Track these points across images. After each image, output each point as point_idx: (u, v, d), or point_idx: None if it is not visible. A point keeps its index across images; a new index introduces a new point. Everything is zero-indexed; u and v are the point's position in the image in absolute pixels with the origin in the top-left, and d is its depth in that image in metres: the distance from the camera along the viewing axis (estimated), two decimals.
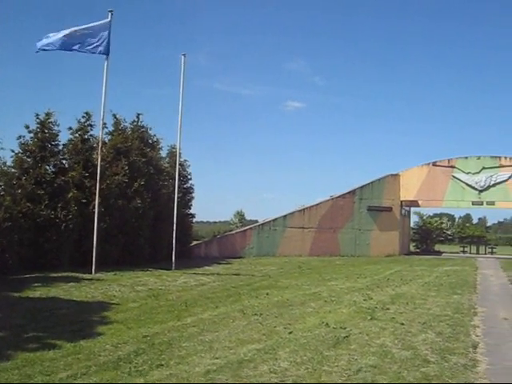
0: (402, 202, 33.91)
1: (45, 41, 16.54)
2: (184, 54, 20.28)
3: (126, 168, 19.65)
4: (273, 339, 8.16)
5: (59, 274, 15.71)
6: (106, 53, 17.01)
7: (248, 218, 51.77)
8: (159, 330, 8.61)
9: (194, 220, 28.67)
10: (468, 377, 6.52)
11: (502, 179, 31.66)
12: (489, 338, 8.93)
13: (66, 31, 16.58)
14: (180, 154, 21.93)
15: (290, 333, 8.63)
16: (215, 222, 68.83)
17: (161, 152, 23.81)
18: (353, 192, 32.73)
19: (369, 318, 10.25)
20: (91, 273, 16.15)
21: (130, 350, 7.30)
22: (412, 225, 43.61)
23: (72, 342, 7.55)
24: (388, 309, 11.40)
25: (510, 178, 31.46)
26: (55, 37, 16.51)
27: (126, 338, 7.95)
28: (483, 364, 7.17)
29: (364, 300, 12.69)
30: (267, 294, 13.27)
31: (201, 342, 7.88)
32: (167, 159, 24.59)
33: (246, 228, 32.22)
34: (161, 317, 9.87)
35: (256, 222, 39.13)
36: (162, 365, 6.56)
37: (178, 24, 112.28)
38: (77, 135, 19.19)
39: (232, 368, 6.50)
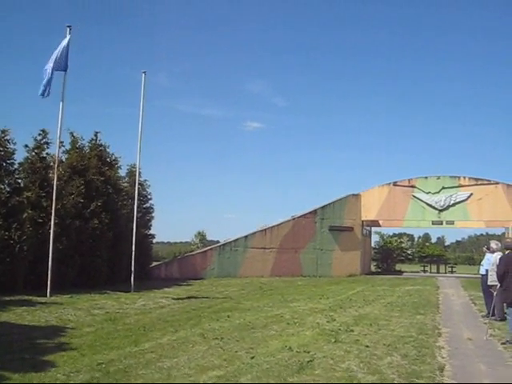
0: (363, 221, 34.01)
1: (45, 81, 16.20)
2: (144, 72, 19.91)
3: (83, 187, 19.12)
4: (234, 365, 7.82)
5: (12, 298, 15.01)
6: (64, 69, 16.59)
7: (209, 238, 51.33)
8: (115, 357, 8.17)
9: (154, 240, 28.19)
10: None
11: (461, 199, 32.03)
12: (454, 359, 8.78)
13: (52, 60, 16.27)
14: (140, 173, 21.50)
15: (252, 358, 8.31)
16: (176, 243, 68.05)
17: (120, 171, 23.32)
18: (314, 212, 32.62)
19: (333, 340, 10.00)
20: (46, 296, 15.52)
21: (83, 379, 6.85)
22: (373, 244, 43.72)
23: (20, 373, 7.02)
24: (352, 331, 11.18)
25: (469, 197, 31.85)
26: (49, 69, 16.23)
27: (80, 366, 7.49)
28: None
29: (327, 322, 12.45)
30: (228, 317, 12.93)
31: (159, 369, 7.48)
32: (126, 178, 24.11)
33: (206, 249, 31.77)
34: (117, 342, 9.44)
35: (217, 242, 38.73)
36: None
37: (139, 43, 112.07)
38: (33, 153, 18.56)
39: None
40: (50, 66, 16.27)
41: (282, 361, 8.15)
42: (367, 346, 9.49)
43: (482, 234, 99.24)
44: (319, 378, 7.15)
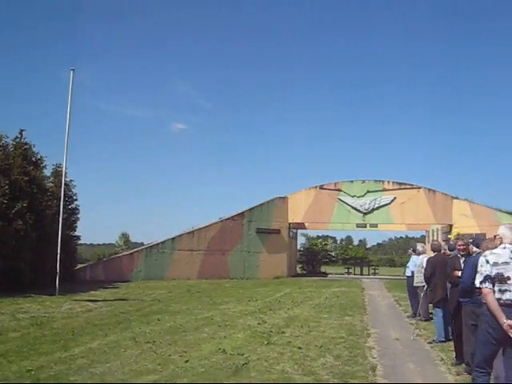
0: (290, 224, 34.28)
1: None
2: (73, 70, 19.28)
3: (7, 187, 18.41)
4: (169, 369, 7.71)
5: None
6: None
7: (133, 240, 50.67)
8: (44, 363, 7.87)
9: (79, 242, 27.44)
10: None
11: (385, 202, 32.88)
12: (385, 359, 8.97)
13: None
14: (66, 173, 20.89)
15: (187, 361, 8.21)
16: (99, 245, 66.88)
17: (44, 171, 22.60)
18: (242, 214, 32.64)
19: (265, 342, 10.02)
20: None
21: None
22: (298, 246, 44.20)
23: None
24: (283, 332, 11.24)
25: (392, 201, 32.74)
26: None
27: (8, 374, 7.18)
28: None
29: (258, 324, 12.47)
30: (159, 320, 12.74)
31: (91, 374, 7.28)
32: (51, 178, 23.35)
33: (133, 251, 31.24)
34: (45, 347, 9.10)
35: (142, 244, 38.23)
36: None
37: (62, 40, 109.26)
38: None
39: None
40: None
41: (217, 364, 8.09)
42: (300, 348, 9.56)
43: (401, 237, 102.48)
44: (255, 381, 7.14)
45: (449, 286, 9.44)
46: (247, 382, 7.09)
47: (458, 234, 9.65)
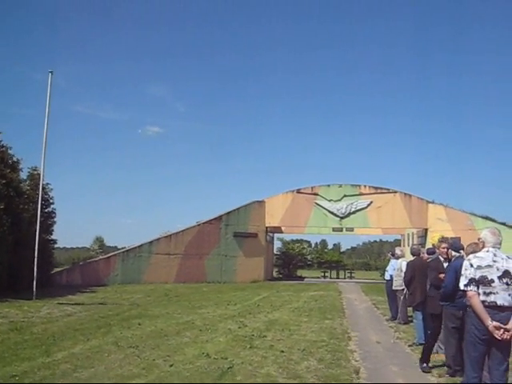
0: (267, 228, 34.35)
1: None
2: (51, 72, 19.03)
3: None
4: (154, 373, 7.70)
5: None
6: None
7: (108, 244, 50.21)
8: (28, 369, 7.80)
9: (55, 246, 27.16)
10: None
11: (361, 206, 33.12)
12: (367, 362, 9.07)
13: None
14: (43, 176, 20.63)
15: (171, 365, 8.22)
16: (73, 248, 66.16)
17: (21, 173, 22.34)
18: (219, 218, 32.62)
19: (248, 346, 10.06)
20: None
21: None
22: (275, 250, 44.26)
23: None
24: (265, 336, 11.29)
25: (369, 205, 33.00)
26: None
27: None
28: None
29: (239, 328, 12.51)
30: (139, 324, 12.69)
31: (76, 379, 7.25)
32: (28, 181, 23.08)
33: (110, 255, 30.98)
34: (28, 353, 9.01)
35: (116, 248, 37.97)
36: None
37: (37, 42, 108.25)
38: None
39: None
40: None
41: (202, 368, 8.11)
42: (282, 351, 9.62)
43: (375, 241, 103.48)
44: None
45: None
46: None
47: (442, 237, 9.74)
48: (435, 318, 8.74)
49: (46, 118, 18.94)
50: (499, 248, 5.80)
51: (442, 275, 8.75)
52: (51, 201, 24.44)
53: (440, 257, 9.15)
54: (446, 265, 8.81)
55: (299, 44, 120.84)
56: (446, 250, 8.93)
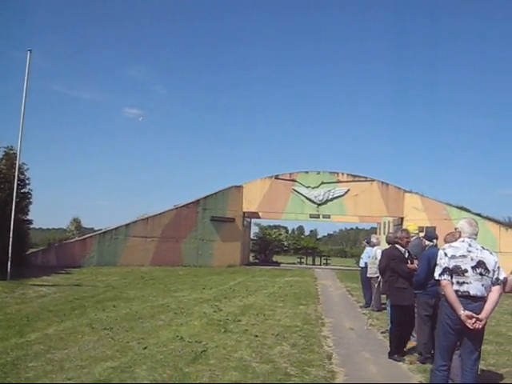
0: (244, 213, 34.35)
1: None
2: (30, 50, 18.58)
3: None
4: (127, 356, 7.70)
5: None
6: None
7: (84, 226, 49.83)
8: (0, 349, 7.73)
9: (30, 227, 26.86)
10: None
11: (339, 194, 33.20)
12: (340, 348, 9.16)
13: None
14: (20, 156, 20.30)
15: (145, 348, 8.23)
16: (49, 229, 65.64)
17: None
18: (197, 202, 32.51)
19: (222, 330, 10.11)
20: None
21: None
22: (251, 236, 44.34)
23: None
24: (240, 320, 11.35)
25: (346, 193, 33.12)
26: None
27: None
28: (341, 375, 7.30)
29: (214, 312, 12.54)
30: (114, 307, 12.66)
31: (49, 360, 7.21)
32: (3, 161, 22.73)
33: (86, 236, 30.71)
34: (1, 333, 8.91)
35: (93, 230, 37.65)
36: None
37: (15, 19, 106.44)
38: None
39: None
40: None
41: (176, 351, 8.13)
42: (256, 336, 9.67)
43: (352, 228, 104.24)
44: (215, 368, 7.20)
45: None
46: (207, 369, 7.14)
47: (420, 227, 9.88)
48: (405, 309, 8.80)
49: (24, 96, 18.62)
50: (475, 239, 5.85)
51: (413, 265, 8.89)
52: (27, 181, 24.10)
53: (398, 245, 9.28)
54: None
55: (284, 34, 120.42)
56: (407, 240, 9.17)
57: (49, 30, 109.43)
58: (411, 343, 9.31)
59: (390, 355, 8.49)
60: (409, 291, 8.73)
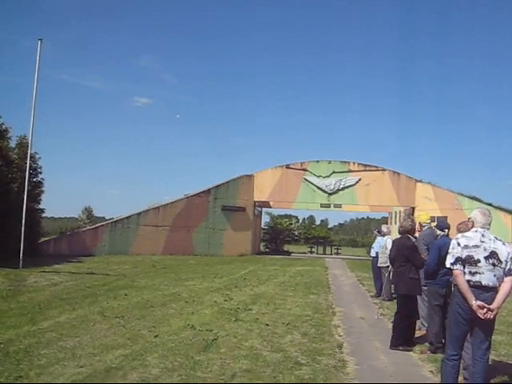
0: (255, 202, 34.37)
1: None
2: (40, 39, 18.57)
3: None
4: (139, 344, 7.74)
5: None
6: None
7: (96, 214, 50.11)
8: (13, 337, 7.82)
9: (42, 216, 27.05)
10: (340, 378, 6.57)
11: (350, 183, 33.18)
12: (351, 337, 9.16)
13: None
14: (31, 145, 20.36)
15: (156, 336, 8.26)
16: (61, 218, 66.08)
17: (10, 141, 22.07)
18: (208, 191, 32.57)
19: (233, 319, 10.13)
20: None
21: None
22: (262, 225, 44.35)
23: None
24: (250, 309, 11.37)
25: (357, 182, 33.05)
26: None
27: None
28: (351, 364, 7.30)
29: (225, 300, 12.57)
30: (126, 295, 12.72)
31: (61, 348, 7.27)
32: (16, 150, 22.79)
33: (97, 225, 30.90)
34: (13, 321, 9.01)
35: (104, 218, 37.84)
36: (21, 376, 5.92)
37: (25, 9, 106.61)
38: None
39: (99, 377, 6.04)
40: None
41: (187, 339, 8.16)
42: (267, 325, 9.69)
43: (363, 218, 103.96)
44: (225, 356, 7.23)
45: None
46: (218, 357, 7.17)
47: (431, 217, 9.87)
48: (412, 299, 8.82)
49: (35, 85, 18.65)
50: (488, 229, 5.82)
51: (424, 255, 8.90)
52: (39, 170, 24.25)
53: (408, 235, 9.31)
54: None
55: (296, 24, 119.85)
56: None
57: (58, 19, 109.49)
58: (421, 332, 9.31)
59: (392, 346, 8.44)
60: (418, 282, 8.74)
